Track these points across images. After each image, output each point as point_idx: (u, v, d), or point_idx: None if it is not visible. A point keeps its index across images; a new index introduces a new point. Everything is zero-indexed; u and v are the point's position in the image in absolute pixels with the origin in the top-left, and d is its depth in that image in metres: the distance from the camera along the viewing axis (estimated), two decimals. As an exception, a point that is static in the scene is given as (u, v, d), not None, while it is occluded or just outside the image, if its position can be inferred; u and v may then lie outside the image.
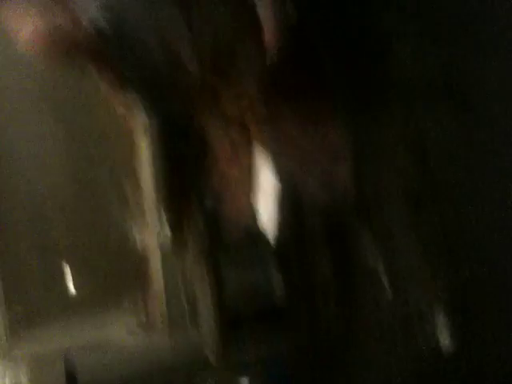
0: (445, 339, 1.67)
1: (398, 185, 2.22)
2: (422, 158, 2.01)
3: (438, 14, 1.72)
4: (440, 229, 1.76)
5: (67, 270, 3.70)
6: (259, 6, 1.52)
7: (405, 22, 1.71)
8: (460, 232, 1.74)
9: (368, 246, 1.81)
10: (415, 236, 1.82)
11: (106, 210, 4.16)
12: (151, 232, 3.38)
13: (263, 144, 2.15)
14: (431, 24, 1.69)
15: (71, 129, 4.01)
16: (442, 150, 1.87)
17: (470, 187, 1.74)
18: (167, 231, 2.94)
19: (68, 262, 3.45)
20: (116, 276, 4.35)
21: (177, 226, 2.55)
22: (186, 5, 1.49)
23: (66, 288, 3.21)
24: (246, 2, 1.56)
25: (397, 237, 1.87)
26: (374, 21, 1.92)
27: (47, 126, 3.93)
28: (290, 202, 2.07)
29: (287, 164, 2.36)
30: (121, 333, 2.66)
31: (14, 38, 1.52)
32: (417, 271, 1.76)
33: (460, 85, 1.73)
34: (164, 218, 3.48)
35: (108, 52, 1.57)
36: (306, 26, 1.75)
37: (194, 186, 2.02)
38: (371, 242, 1.88)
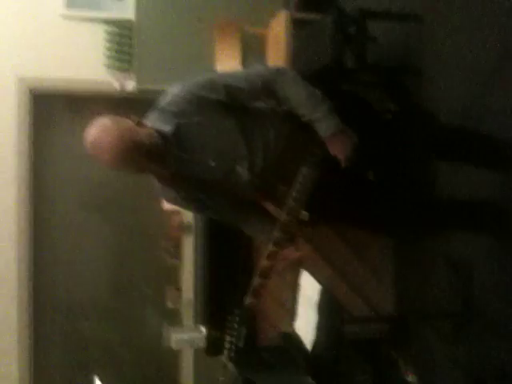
0: None
1: (438, 306, 2.22)
2: (465, 282, 2.03)
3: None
4: (478, 357, 1.73)
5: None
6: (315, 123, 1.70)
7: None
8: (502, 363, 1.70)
9: (405, 361, 1.78)
10: (453, 363, 1.79)
11: (141, 312, 4.20)
12: (186, 334, 3.38)
13: (307, 250, 2.22)
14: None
15: (117, 229, 4.18)
16: (484, 276, 1.88)
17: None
18: (202, 331, 2.94)
19: (98, 375, 3.47)
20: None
21: (213, 325, 2.55)
22: (247, 134, 1.72)
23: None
24: (296, 127, 1.75)
25: (435, 357, 1.83)
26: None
27: (97, 226, 4.11)
28: (329, 310, 2.08)
29: (329, 273, 2.40)
30: None
31: (97, 157, 1.66)
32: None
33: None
34: (199, 318, 3.46)
35: (177, 159, 1.73)
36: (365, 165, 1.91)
37: (234, 285, 2.06)
38: (409, 359, 1.84)
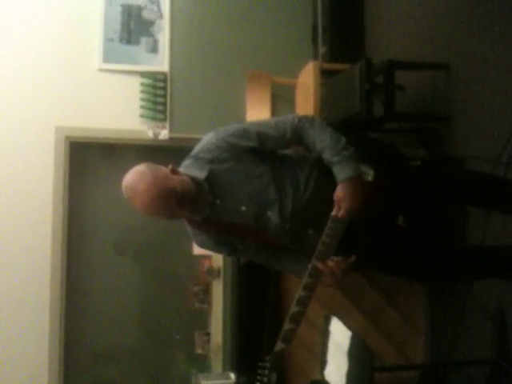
0: None
1: (472, 354, 2.17)
2: (499, 329, 1.99)
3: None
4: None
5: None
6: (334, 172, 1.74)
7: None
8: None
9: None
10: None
11: (170, 357, 4.17)
12: (215, 380, 3.35)
13: (338, 295, 2.20)
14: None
15: (148, 273, 4.22)
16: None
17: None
18: (232, 378, 2.92)
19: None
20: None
21: (242, 371, 2.54)
22: (277, 179, 1.76)
23: None
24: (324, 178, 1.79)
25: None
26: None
27: (128, 270, 4.16)
28: (359, 357, 2.06)
29: (359, 319, 2.37)
30: None
31: (131, 202, 1.73)
32: None
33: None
34: (228, 364, 3.42)
35: (210, 204, 1.77)
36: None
37: (264, 330, 2.05)
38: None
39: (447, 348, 2.03)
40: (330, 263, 1.69)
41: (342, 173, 1.74)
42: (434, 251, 1.99)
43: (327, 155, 1.77)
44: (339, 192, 1.72)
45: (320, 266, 1.69)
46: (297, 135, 1.82)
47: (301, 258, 1.85)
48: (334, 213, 1.71)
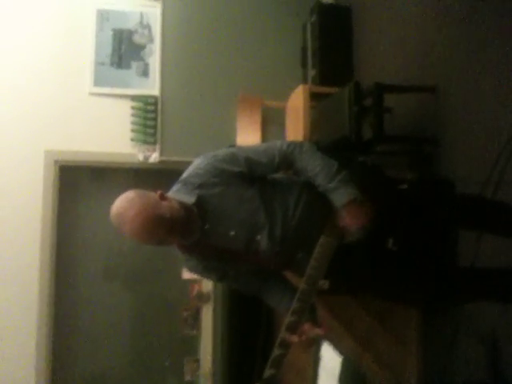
0: None
1: (464, 376, 2.16)
2: (491, 351, 1.98)
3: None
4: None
5: None
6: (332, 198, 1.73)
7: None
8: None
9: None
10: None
11: (159, 380, 4.11)
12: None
13: (327, 323, 2.18)
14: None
15: (136, 297, 4.18)
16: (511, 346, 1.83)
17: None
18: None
19: None
20: None
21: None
22: (267, 203, 1.76)
23: None
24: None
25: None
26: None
27: (117, 295, 4.12)
28: (351, 382, 2.04)
29: (351, 343, 2.36)
30: None
31: (120, 229, 1.71)
32: None
33: None
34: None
35: (199, 229, 1.77)
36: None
37: (254, 356, 2.03)
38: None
39: (440, 371, 2.01)
40: (295, 338, 1.65)
41: (341, 198, 1.73)
42: (425, 274, 1.98)
43: (321, 181, 1.77)
44: (345, 218, 1.71)
45: (291, 338, 1.65)
46: (286, 161, 1.82)
47: (290, 288, 1.84)
48: (324, 234, 1.71)
